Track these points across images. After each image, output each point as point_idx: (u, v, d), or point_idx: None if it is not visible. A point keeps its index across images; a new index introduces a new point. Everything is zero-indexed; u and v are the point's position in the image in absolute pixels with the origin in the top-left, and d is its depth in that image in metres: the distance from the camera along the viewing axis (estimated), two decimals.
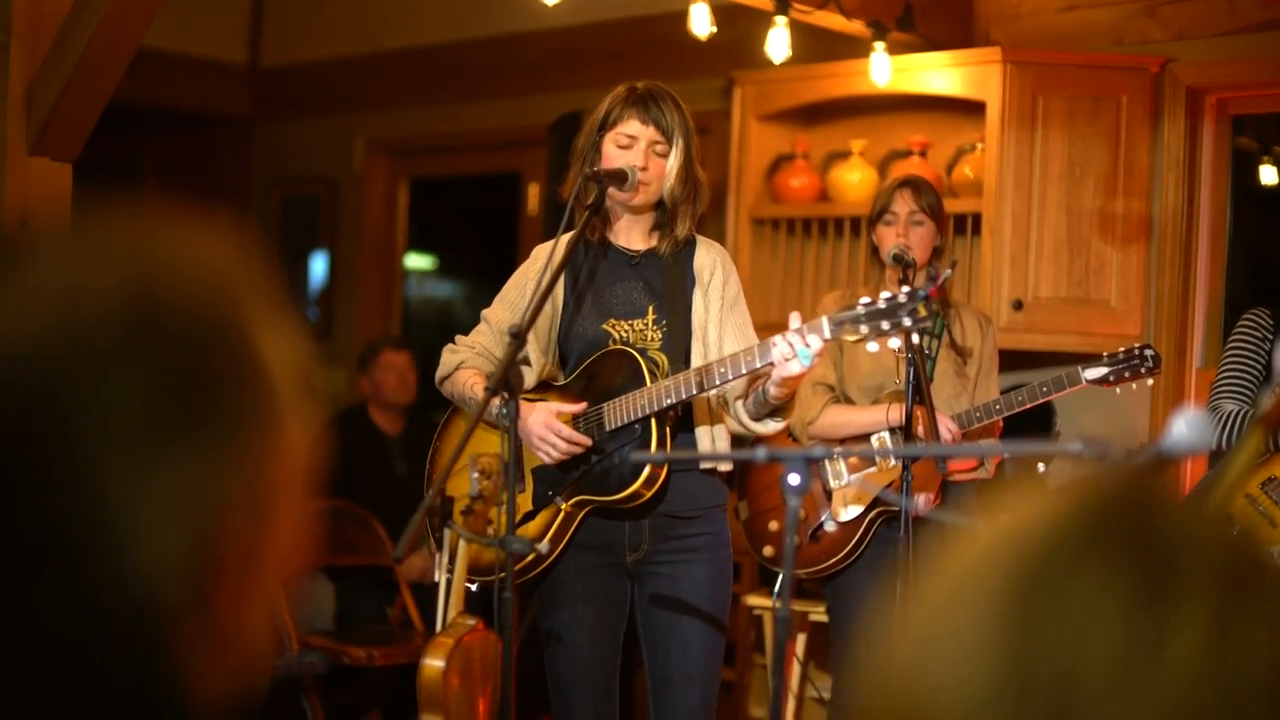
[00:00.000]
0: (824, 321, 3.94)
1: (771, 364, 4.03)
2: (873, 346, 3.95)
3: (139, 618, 0.97)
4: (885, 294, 3.87)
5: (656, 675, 4.39)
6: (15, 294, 0.98)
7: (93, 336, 0.97)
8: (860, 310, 3.87)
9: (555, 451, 4.26)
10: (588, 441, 4.27)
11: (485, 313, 4.55)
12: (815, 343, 3.96)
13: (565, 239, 4.32)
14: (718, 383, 4.15)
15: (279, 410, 1.05)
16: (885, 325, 3.83)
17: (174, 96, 9.65)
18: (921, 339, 5.21)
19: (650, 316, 4.36)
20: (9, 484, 0.95)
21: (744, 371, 4.11)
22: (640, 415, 4.22)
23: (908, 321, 3.81)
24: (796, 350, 3.95)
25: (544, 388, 4.42)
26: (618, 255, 4.45)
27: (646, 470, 4.21)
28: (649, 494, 4.26)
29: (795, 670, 6.23)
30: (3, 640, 0.94)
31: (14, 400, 0.95)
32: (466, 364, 4.44)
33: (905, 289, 3.86)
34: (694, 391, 4.17)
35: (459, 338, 4.55)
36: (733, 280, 4.45)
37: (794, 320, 4.01)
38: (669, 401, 4.18)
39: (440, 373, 4.51)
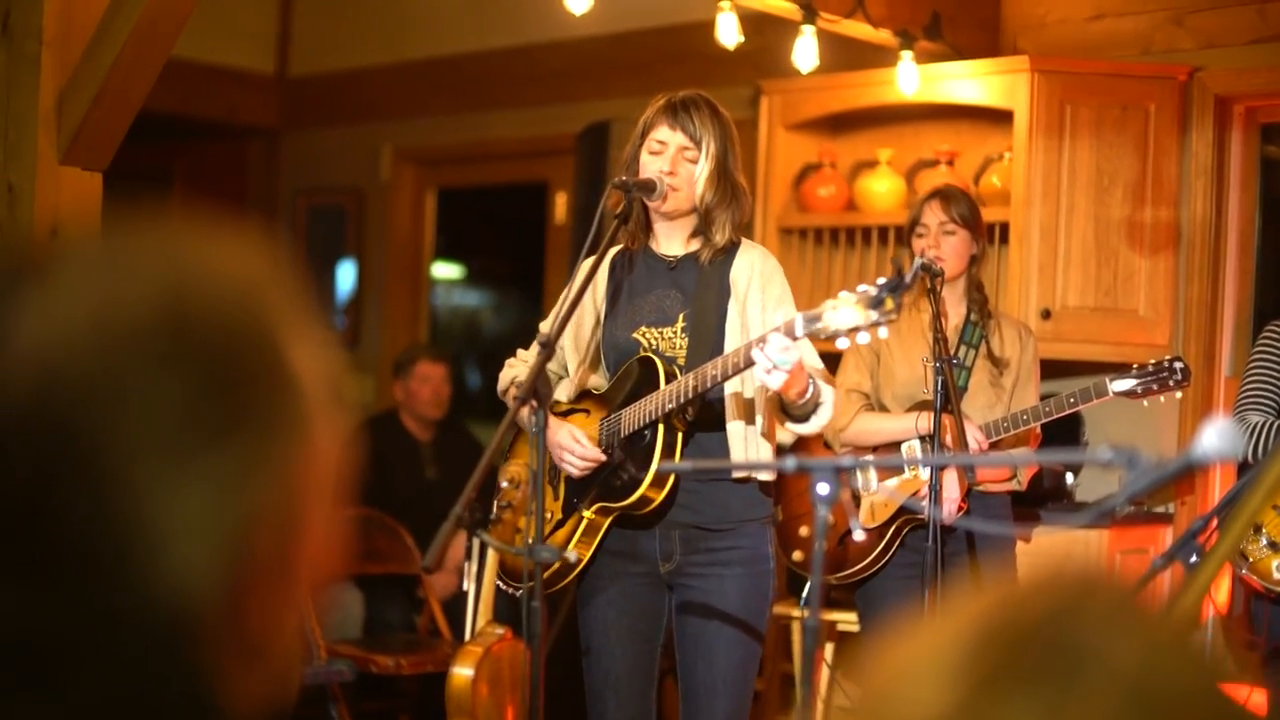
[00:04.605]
0: (798, 318, 3.90)
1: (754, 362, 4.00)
2: (843, 343, 3.87)
3: (171, 622, 0.97)
4: (862, 287, 3.80)
5: (685, 687, 4.39)
6: (49, 303, 0.99)
7: (125, 345, 0.97)
8: (833, 304, 3.82)
9: (574, 469, 4.28)
10: (601, 456, 4.28)
11: (540, 325, 4.56)
12: (792, 353, 3.92)
13: (600, 250, 4.33)
14: (709, 385, 4.14)
15: (309, 418, 1.05)
16: (857, 319, 3.77)
17: (202, 106, 9.67)
18: (957, 349, 5.21)
19: (679, 324, 4.36)
20: (45, 490, 0.95)
21: (731, 373, 4.09)
22: (647, 421, 4.23)
23: (875, 315, 3.75)
24: (775, 361, 3.92)
25: (584, 396, 4.44)
26: (655, 262, 4.46)
27: (651, 475, 4.21)
28: (659, 498, 4.25)
29: (823, 679, 6.22)
30: (38, 642, 0.95)
31: (49, 408, 0.96)
32: (519, 378, 4.46)
33: (881, 280, 3.80)
34: (691, 394, 4.16)
35: (519, 351, 4.59)
36: (775, 280, 4.42)
37: (776, 319, 4.00)
38: (670, 406, 4.18)
39: (499, 387, 4.57)
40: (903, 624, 1.03)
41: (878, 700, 0.99)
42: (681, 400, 4.17)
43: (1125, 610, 0.98)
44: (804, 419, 4.25)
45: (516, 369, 4.52)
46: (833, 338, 3.83)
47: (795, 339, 3.91)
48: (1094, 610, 0.98)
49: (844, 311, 3.77)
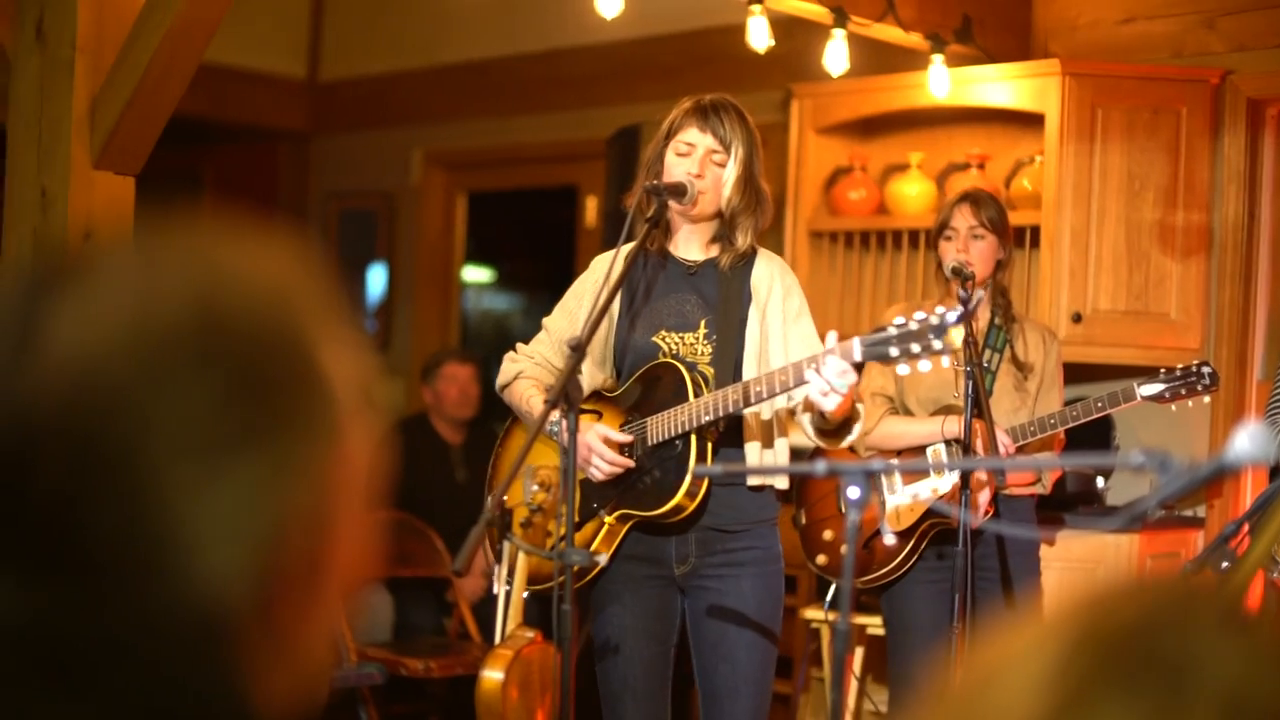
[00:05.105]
0: (855, 343, 3.90)
1: (805, 382, 4.01)
2: (903, 369, 3.90)
3: (203, 626, 0.97)
4: (919, 314, 3.82)
5: (705, 689, 4.38)
6: (82, 307, 0.99)
7: (159, 349, 0.98)
8: (893, 331, 3.82)
9: (599, 473, 4.27)
10: (630, 464, 4.27)
11: (545, 321, 4.56)
12: (850, 376, 3.93)
13: (625, 250, 4.32)
14: (753, 401, 4.14)
15: (341, 421, 1.05)
16: (915, 348, 3.79)
17: (234, 111, 9.71)
18: (982, 353, 5.20)
19: (702, 330, 4.35)
20: (78, 493, 0.96)
21: (778, 390, 4.09)
22: (681, 431, 4.22)
23: (937, 345, 3.76)
24: (833, 384, 3.92)
25: (595, 397, 4.42)
26: (675, 266, 4.45)
27: (686, 484, 4.20)
28: (691, 507, 4.25)
29: (853, 684, 6.21)
30: (71, 646, 0.95)
31: (83, 412, 0.96)
32: (525, 374, 4.46)
33: (940, 309, 3.81)
34: (731, 409, 4.15)
35: (519, 346, 4.56)
36: (794, 293, 4.42)
37: (830, 339, 3.98)
38: (708, 419, 4.17)
39: (500, 381, 4.54)
40: (994, 626, 0.99)
41: (963, 704, 0.97)
42: (721, 413, 4.16)
43: (1227, 620, 0.94)
44: (836, 433, 4.26)
45: (520, 364, 4.50)
46: (893, 363, 3.83)
47: (854, 362, 3.91)
48: (1195, 619, 0.94)
49: (905, 339, 3.77)
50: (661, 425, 4.25)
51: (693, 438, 4.22)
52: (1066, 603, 0.98)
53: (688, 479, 4.19)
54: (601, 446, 4.24)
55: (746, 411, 4.28)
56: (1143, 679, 0.91)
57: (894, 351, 3.80)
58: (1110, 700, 0.91)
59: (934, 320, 3.75)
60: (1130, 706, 0.90)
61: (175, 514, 0.96)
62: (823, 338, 4.15)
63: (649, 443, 4.28)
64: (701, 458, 4.22)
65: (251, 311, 1.02)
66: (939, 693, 0.99)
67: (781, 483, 4.46)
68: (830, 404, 3.96)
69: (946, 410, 5.17)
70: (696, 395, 4.22)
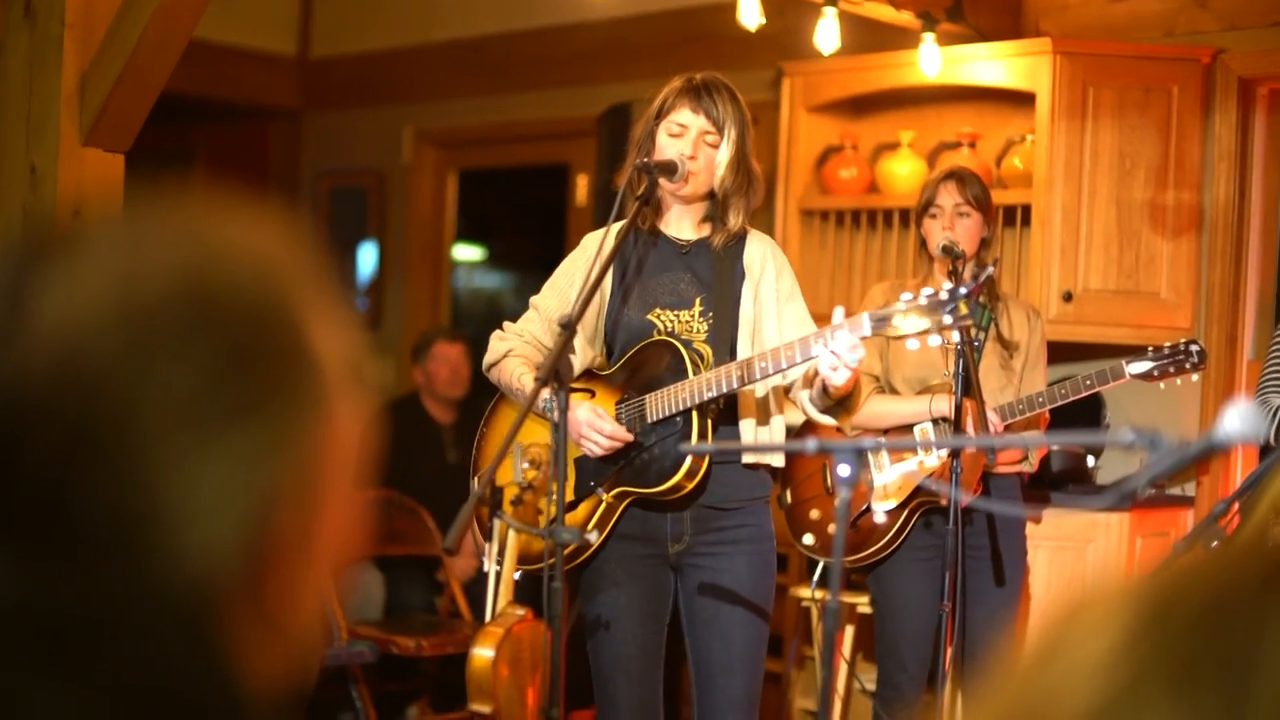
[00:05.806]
0: (865, 318, 3.91)
1: (812, 358, 4.02)
2: (913, 344, 3.92)
3: (191, 602, 0.97)
4: (927, 290, 3.82)
5: (699, 667, 4.39)
6: (71, 281, 0.99)
7: (149, 322, 0.98)
8: (902, 307, 3.84)
9: (598, 448, 4.26)
10: (630, 437, 4.27)
11: (534, 300, 4.55)
12: (860, 351, 3.94)
13: (615, 228, 4.32)
14: (758, 376, 4.14)
15: (330, 397, 1.05)
16: (926, 324, 3.81)
17: (224, 88, 9.68)
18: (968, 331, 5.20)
19: (697, 308, 4.35)
20: (68, 468, 0.96)
21: (784, 366, 4.10)
22: (682, 408, 4.22)
23: (948, 319, 3.77)
24: (843, 359, 3.93)
25: (587, 376, 4.42)
26: (667, 245, 4.44)
27: (688, 463, 4.20)
28: (690, 486, 4.25)
29: (841, 663, 6.22)
30: (60, 623, 0.95)
31: (72, 386, 0.96)
32: (515, 352, 4.44)
33: (948, 285, 3.82)
34: (735, 385, 4.16)
35: (507, 324, 4.55)
36: (786, 272, 4.43)
37: (837, 315, 3.98)
38: (710, 395, 4.17)
39: (488, 359, 4.52)
40: (1077, 595, 0.91)
41: (1027, 678, 0.91)
42: (724, 389, 4.17)
43: None
44: (835, 408, 4.26)
45: (510, 342, 4.48)
46: (901, 338, 3.85)
47: (865, 336, 3.92)
48: (1271, 606, 0.86)
49: (915, 314, 3.78)
50: (662, 402, 4.25)
51: (694, 414, 4.22)
52: (1145, 574, 0.91)
53: (688, 458, 4.20)
54: (598, 420, 4.24)
55: (742, 389, 4.28)
56: (1201, 672, 0.84)
57: (905, 327, 3.81)
58: (1164, 693, 0.84)
59: (944, 295, 3.76)
60: (1184, 700, 0.84)
61: (163, 489, 0.96)
62: (816, 316, 4.16)
63: (648, 419, 4.27)
64: (703, 435, 4.23)
65: (240, 287, 1.02)
66: (1007, 664, 0.93)
67: (777, 460, 4.46)
68: (840, 379, 3.97)
69: (936, 389, 5.17)
70: (695, 373, 4.22)
